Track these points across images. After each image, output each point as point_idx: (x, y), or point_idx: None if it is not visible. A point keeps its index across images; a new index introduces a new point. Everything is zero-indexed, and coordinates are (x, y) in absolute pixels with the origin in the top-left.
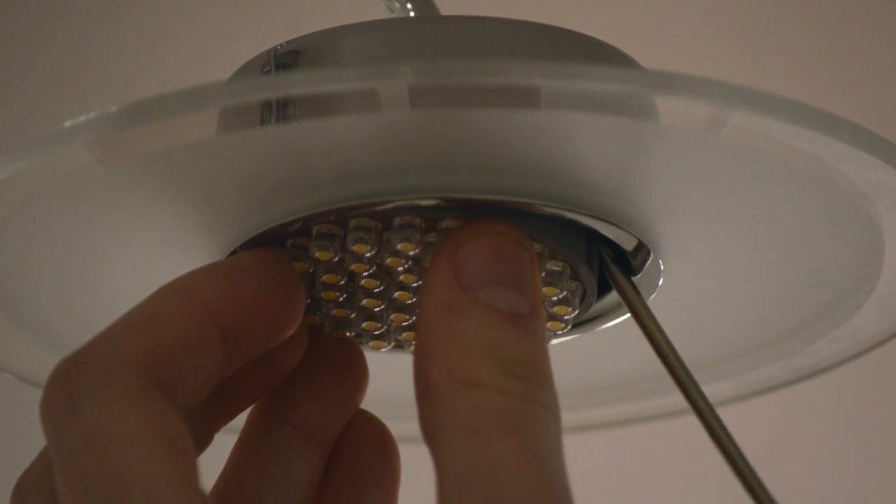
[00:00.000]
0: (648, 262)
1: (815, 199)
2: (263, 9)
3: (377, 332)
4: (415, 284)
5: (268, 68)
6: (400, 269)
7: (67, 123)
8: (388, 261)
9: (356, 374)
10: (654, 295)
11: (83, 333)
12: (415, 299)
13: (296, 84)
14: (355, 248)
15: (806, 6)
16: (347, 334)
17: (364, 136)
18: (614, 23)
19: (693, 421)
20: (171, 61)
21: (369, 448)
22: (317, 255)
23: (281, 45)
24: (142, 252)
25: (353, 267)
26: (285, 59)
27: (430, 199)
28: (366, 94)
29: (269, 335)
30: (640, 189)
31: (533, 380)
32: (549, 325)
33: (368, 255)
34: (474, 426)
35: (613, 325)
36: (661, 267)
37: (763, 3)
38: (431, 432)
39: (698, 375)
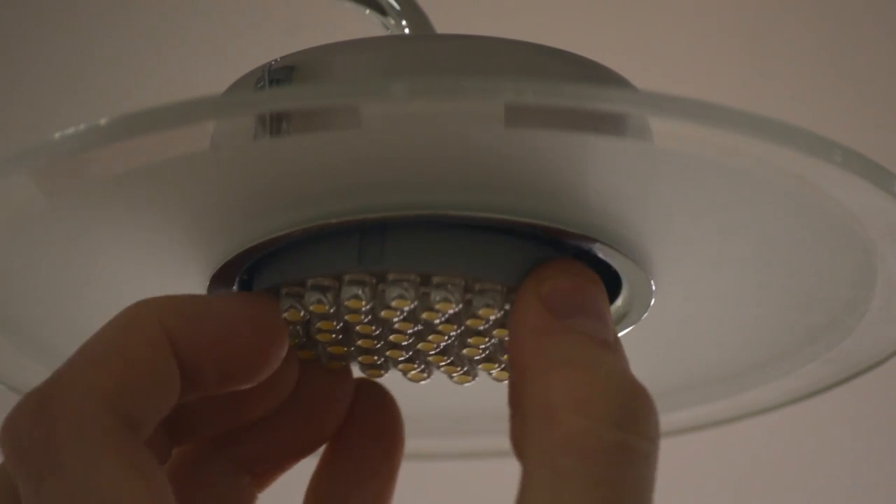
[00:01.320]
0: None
1: (807, 221)
2: (263, 14)
3: (374, 364)
4: (410, 331)
5: (262, 84)
6: (395, 319)
7: (57, 135)
8: (383, 313)
9: (328, 427)
10: (645, 315)
11: (76, 343)
12: (411, 340)
13: (283, 99)
14: (349, 303)
15: (805, 8)
16: (343, 364)
17: (356, 151)
18: (614, 23)
19: (690, 438)
20: (171, 66)
21: (375, 423)
22: (311, 308)
23: (275, 60)
24: (133, 262)
25: (347, 317)
26: (279, 74)
27: (424, 213)
28: (358, 111)
29: (227, 383)
30: (633, 210)
31: (628, 407)
32: None
33: (363, 309)
34: (560, 465)
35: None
36: (653, 288)
37: (761, 5)
38: (520, 453)
39: (690, 397)
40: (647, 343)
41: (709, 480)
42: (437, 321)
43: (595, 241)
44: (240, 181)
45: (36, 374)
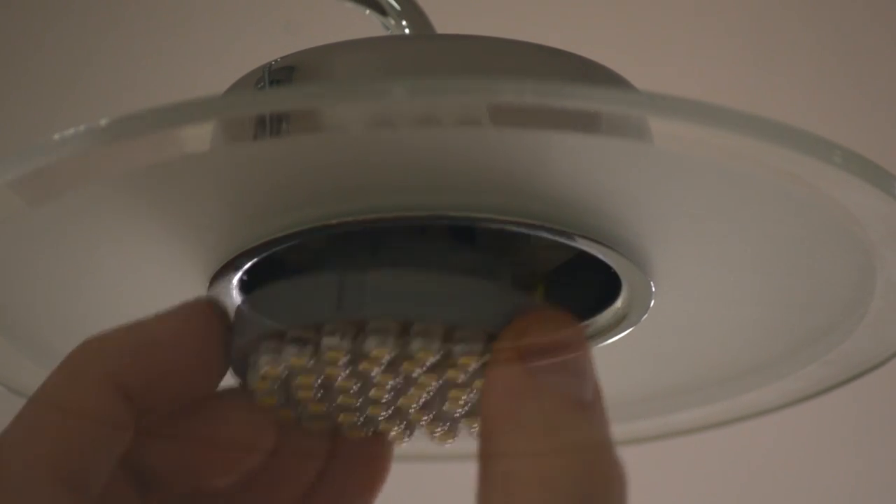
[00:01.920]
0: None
1: (807, 223)
2: (263, 14)
3: (354, 424)
4: (390, 384)
5: (262, 84)
6: (373, 373)
7: (57, 136)
8: (362, 365)
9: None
10: (644, 317)
11: (72, 343)
12: (391, 395)
13: (286, 99)
14: (328, 355)
15: (806, 8)
16: (322, 424)
17: (351, 152)
18: (614, 24)
19: (689, 439)
20: (171, 66)
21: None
22: (291, 361)
23: (276, 60)
24: (133, 262)
25: (327, 370)
26: (279, 74)
27: (422, 215)
28: (356, 112)
29: (182, 399)
30: (633, 211)
31: (593, 485)
32: None
33: (342, 361)
34: None
35: (606, 345)
36: (653, 289)
37: (762, 5)
38: None
39: (690, 399)
40: (646, 344)
41: (708, 482)
42: (416, 373)
43: (595, 241)
44: (240, 182)
45: (35, 374)
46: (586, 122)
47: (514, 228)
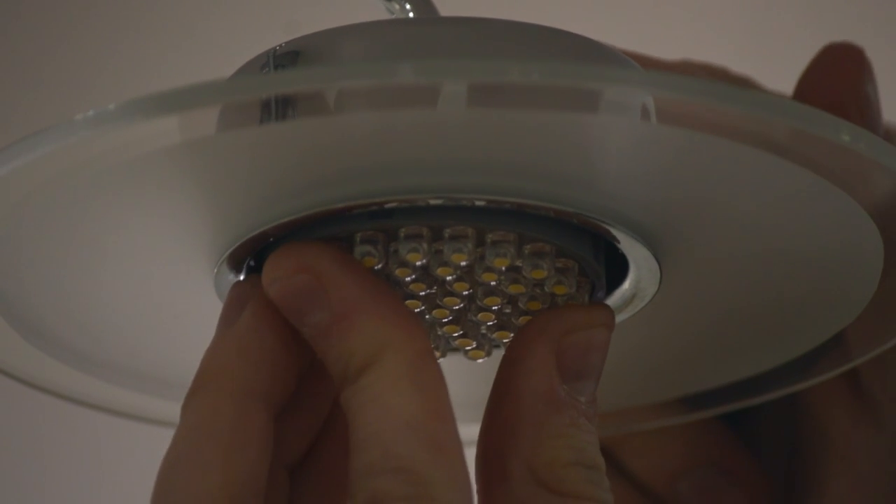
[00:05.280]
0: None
1: (814, 198)
2: (265, 8)
3: None
4: (423, 293)
5: (267, 69)
6: (407, 279)
7: (63, 122)
8: (397, 272)
9: None
10: (651, 298)
11: (79, 333)
12: (423, 307)
13: (291, 81)
14: (363, 262)
15: (806, 8)
16: None
17: (366, 134)
18: (614, 22)
19: None
20: (173, 65)
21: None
22: None
23: (280, 45)
24: (139, 250)
25: None
26: (284, 59)
27: (434, 199)
28: (362, 93)
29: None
30: (640, 192)
31: (605, 484)
32: None
33: (376, 268)
34: None
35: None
36: (660, 271)
37: (762, 5)
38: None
39: (694, 385)
40: (652, 325)
41: None
42: (450, 277)
43: (603, 223)
44: (246, 166)
45: (39, 361)
46: (594, 102)
47: (530, 210)
